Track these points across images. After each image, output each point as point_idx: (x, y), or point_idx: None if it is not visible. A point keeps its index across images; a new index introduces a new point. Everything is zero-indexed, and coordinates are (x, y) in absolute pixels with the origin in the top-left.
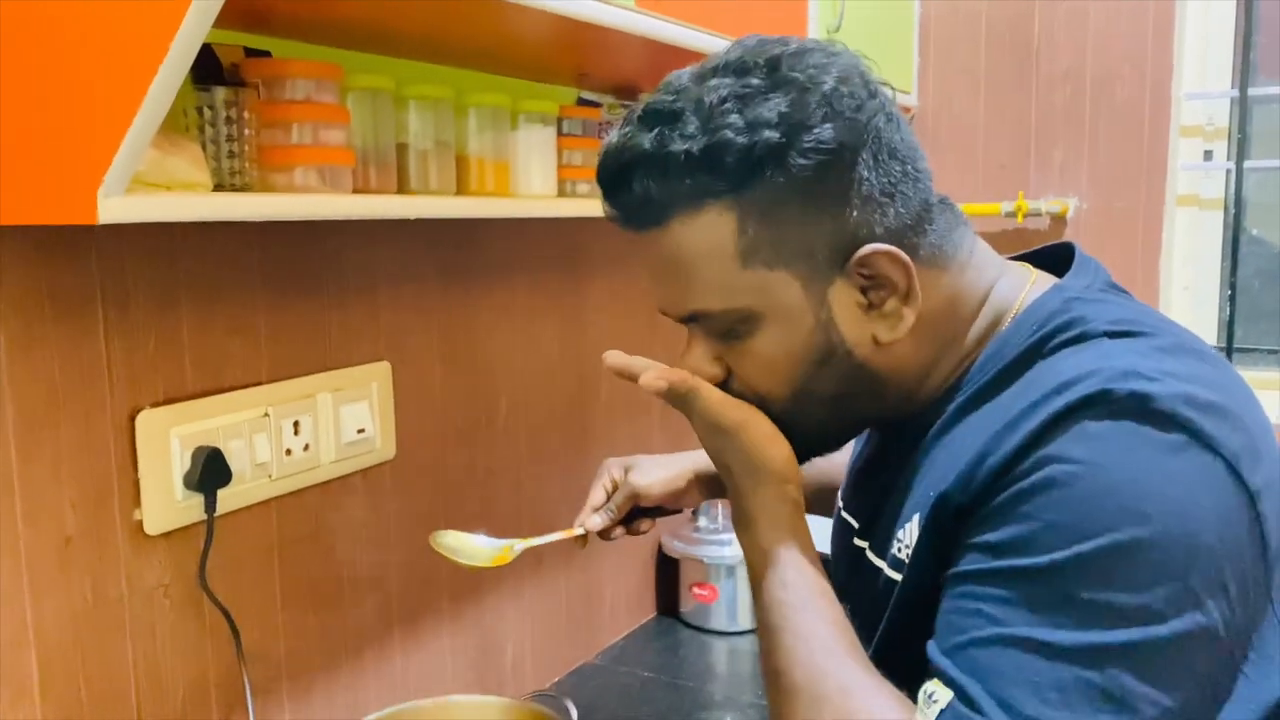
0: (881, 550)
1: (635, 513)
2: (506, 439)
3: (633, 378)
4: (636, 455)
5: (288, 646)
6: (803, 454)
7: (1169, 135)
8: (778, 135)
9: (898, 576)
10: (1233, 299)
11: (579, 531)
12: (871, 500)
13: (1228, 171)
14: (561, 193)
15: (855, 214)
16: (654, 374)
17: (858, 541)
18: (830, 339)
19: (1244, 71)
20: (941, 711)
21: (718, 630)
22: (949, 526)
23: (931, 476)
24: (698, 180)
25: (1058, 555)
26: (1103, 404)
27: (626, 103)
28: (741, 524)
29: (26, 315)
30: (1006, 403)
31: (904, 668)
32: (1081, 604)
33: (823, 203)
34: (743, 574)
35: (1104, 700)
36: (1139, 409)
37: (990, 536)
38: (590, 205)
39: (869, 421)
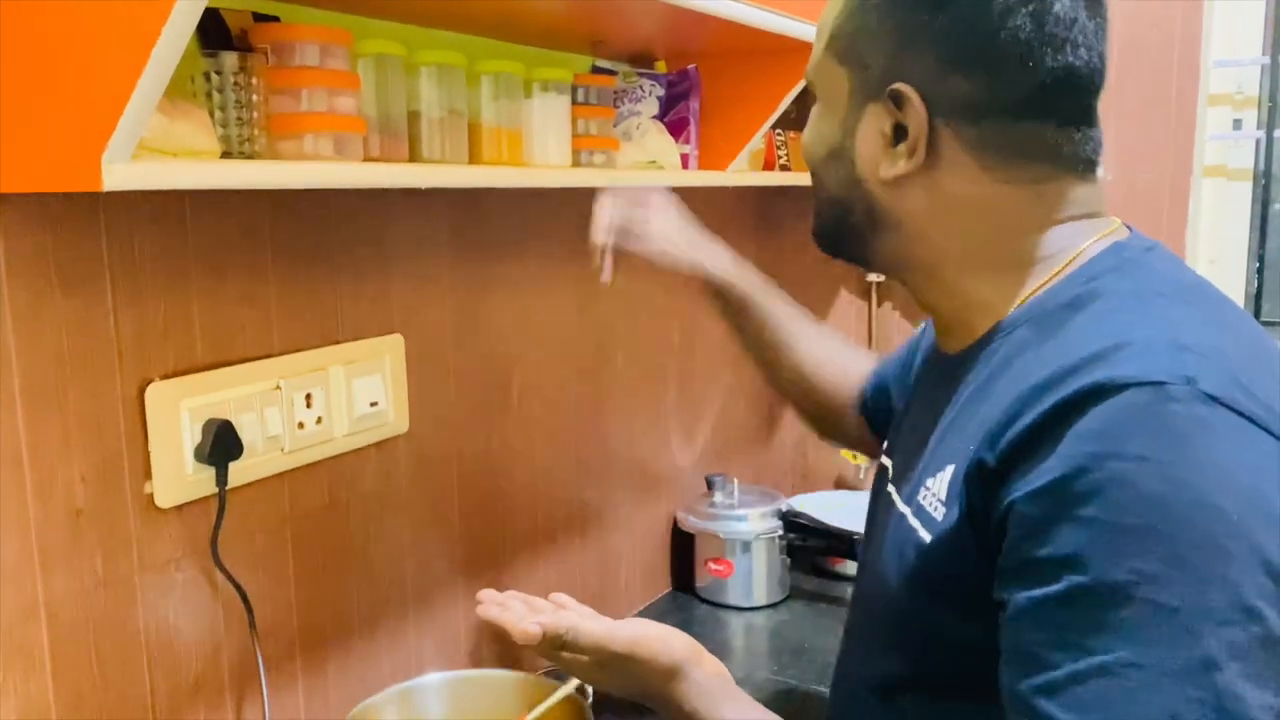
0: (908, 495)
1: None
2: (521, 411)
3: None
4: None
5: (301, 620)
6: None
7: (1197, 104)
8: None
9: (919, 527)
10: (1260, 272)
11: (571, 690)
12: (906, 444)
13: (1257, 141)
14: (576, 163)
15: (921, 60)
16: (526, 625)
17: (889, 487)
18: (844, 143)
19: (1275, 38)
20: None
21: (733, 605)
22: (977, 489)
23: (968, 426)
24: None
25: (1138, 564)
26: (1149, 386)
27: (642, 70)
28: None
29: (34, 286)
30: (1046, 355)
31: (919, 633)
32: (1173, 614)
33: (900, 31)
34: (758, 548)
35: (1219, 716)
36: (1189, 394)
37: (1057, 549)
38: (605, 175)
39: (861, 248)
